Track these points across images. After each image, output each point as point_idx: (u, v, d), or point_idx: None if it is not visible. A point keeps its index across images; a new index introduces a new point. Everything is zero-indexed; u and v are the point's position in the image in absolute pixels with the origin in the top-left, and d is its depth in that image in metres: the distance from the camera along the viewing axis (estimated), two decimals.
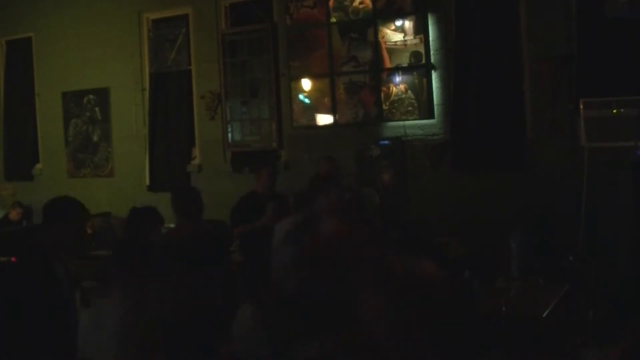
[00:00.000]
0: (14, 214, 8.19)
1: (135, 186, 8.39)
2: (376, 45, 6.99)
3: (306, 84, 7.46)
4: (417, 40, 6.81)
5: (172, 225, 5.77)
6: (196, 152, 8.40)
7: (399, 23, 6.91)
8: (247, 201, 6.01)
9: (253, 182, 6.09)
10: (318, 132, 7.42)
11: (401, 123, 6.97)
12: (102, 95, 8.93)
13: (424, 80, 6.79)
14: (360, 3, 7.08)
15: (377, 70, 7.02)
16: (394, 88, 6.94)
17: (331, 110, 7.30)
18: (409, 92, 6.87)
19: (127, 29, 8.63)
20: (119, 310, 3.02)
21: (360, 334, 3.08)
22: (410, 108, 6.88)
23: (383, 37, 6.97)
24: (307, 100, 7.48)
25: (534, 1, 6.37)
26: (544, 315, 4.35)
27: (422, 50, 6.78)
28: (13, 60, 9.81)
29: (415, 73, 6.85)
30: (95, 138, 9.05)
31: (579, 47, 6.14)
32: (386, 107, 6.99)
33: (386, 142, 7.06)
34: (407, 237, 3.71)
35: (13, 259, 3.83)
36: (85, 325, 3.14)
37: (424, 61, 6.79)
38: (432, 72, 6.80)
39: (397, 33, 6.92)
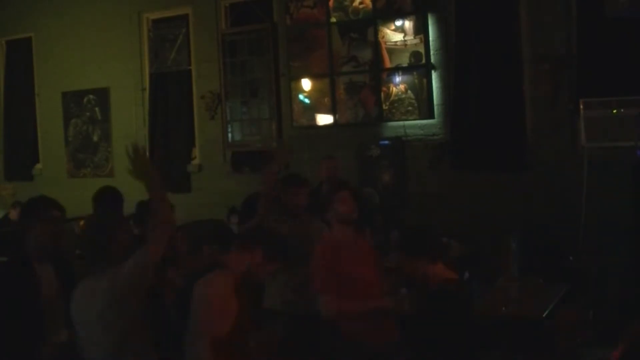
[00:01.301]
0: (14, 214, 8.16)
1: (135, 186, 8.35)
2: (376, 45, 6.99)
3: (306, 84, 7.46)
4: (417, 40, 6.81)
5: None
6: (196, 152, 8.41)
7: (399, 23, 6.91)
8: (252, 201, 6.05)
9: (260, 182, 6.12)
10: (318, 132, 7.42)
11: (401, 123, 6.97)
12: (102, 95, 8.93)
13: (424, 80, 6.79)
14: (360, 3, 7.08)
15: (377, 70, 7.01)
16: (394, 88, 6.94)
17: (331, 110, 7.30)
18: (409, 92, 6.87)
19: (127, 29, 8.63)
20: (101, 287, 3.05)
21: None
22: (410, 108, 6.88)
23: (383, 37, 6.97)
24: (307, 100, 7.48)
25: (534, 1, 6.37)
26: (544, 315, 4.35)
27: (422, 50, 6.78)
28: (13, 60, 9.81)
29: (415, 73, 6.85)
30: (95, 138, 9.05)
31: (579, 47, 6.14)
32: (386, 107, 6.99)
33: (386, 142, 7.06)
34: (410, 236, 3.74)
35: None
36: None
37: (424, 61, 6.78)
38: (432, 72, 6.79)
39: (397, 33, 6.92)
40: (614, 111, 5.66)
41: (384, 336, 3.89)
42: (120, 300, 2.97)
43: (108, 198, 4.92)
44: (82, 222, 7.20)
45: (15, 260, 3.50)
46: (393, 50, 6.94)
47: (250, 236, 3.71)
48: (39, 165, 9.62)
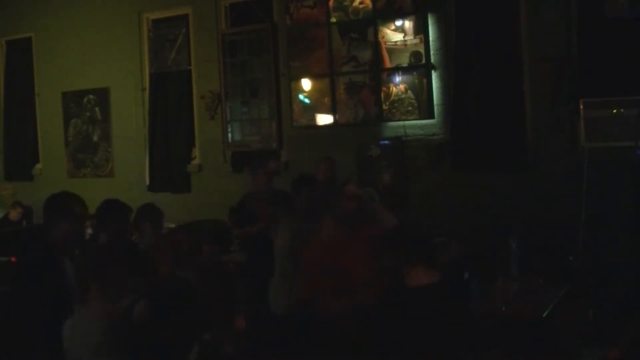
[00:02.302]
0: (14, 214, 8.19)
1: (135, 186, 8.39)
2: (376, 45, 6.99)
3: (306, 84, 7.46)
4: (417, 40, 6.81)
5: (172, 225, 5.78)
6: (196, 152, 8.41)
7: (399, 23, 6.91)
8: (246, 202, 6.06)
9: (251, 183, 6.14)
10: (318, 132, 7.42)
11: (401, 123, 6.97)
12: (102, 95, 8.93)
13: (424, 80, 6.79)
14: (360, 3, 7.08)
15: (377, 70, 7.01)
16: (394, 88, 6.94)
17: (331, 110, 7.30)
18: (409, 92, 6.87)
19: (127, 29, 8.63)
20: (97, 320, 3.00)
21: None
22: (410, 108, 6.88)
23: (383, 37, 6.96)
24: (307, 100, 7.48)
25: (534, 1, 6.37)
26: (544, 315, 4.35)
27: (422, 50, 6.78)
28: (13, 60, 9.81)
29: (415, 73, 6.85)
30: (95, 138, 9.05)
31: (579, 47, 6.15)
32: (386, 107, 6.99)
33: (386, 142, 7.06)
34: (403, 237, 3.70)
35: (13, 259, 3.84)
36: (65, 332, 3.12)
37: (424, 61, 6.78)
38: (432, 72, 6.79)
39: (397, 33, 6.92)
40: (614, 111, 5.66)
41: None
42: (117, 336, 2.92)
43: (113, 213, 4.56)
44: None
45: (41, 255, 3.50)
46: (393, 50, 6.94)
47: None
48: (39, 165, 9.62)
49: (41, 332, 3.25)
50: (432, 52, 6.78)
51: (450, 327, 3.31)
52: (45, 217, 3.59)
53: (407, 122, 6.93)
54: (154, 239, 4.47)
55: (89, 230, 7.37)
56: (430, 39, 6.78)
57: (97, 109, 9.00)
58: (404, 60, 6.89)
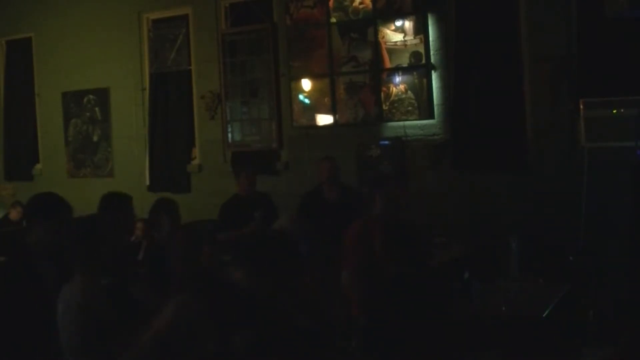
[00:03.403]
0: (14, 214, 8.17)
1: (135, 186, 8.37)
2: (376, 45, 6.99)
3: (306, 84, 7.45)
4: (417, 40, 6.81)
5: None
6: (196, 152, 8.41)
7: (399, 23, 6.91)
8: (231, 205, 6.07)
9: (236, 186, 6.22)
10: (318, 132, 7.42)
11: (401, 123, 6.96)
12: (102, 95, 8.93)
13: (424, 80, 6.79)
14: (360, 3, 7.08)
15: (377, 70, 7.01)
16: (394, 88, 6.94)
17: (331, 110, 7.29)
18: (409, 92, 6.87)
19: (127, 29, 8.63)
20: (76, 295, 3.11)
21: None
22: (410, 108, 6.88)
23: (383, 37, 6.96)
24: (307, 100, 7.48)
25: (534, 1, 6.37)
26: (544, 315, 4.35)
27: (422, 50, 6.78)
28: (13, 60, 9.81)
29: (415, 73, 6.85)
30: (95, 138, 9.05)
31: (579, 47, 6.15)
32: (386, 107, 6.99)
33: (386, 142, 7.06)
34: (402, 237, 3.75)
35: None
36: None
37: (424, 61, 6.78)
38: (432, 72, 6.79)
39: (397, 33, 6.92)
40: (614, 111, 5.66)
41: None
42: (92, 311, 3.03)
43: (114, 204, 4.52)
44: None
45: (17, 258, 3.49)
46: (393, 50, 6.94)
47: None
48: (39, 165, 9.62)
49: (12, 335, 3.24)
50: (432, 52, 6.78)
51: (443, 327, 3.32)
52: (26, 218, 3.59)
53: (407, 122, 6.93)
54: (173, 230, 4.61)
55: None
56: (430, 39, 6.78)
57: (97, 109, 9.00)
58: (404, 60, 6.89)
